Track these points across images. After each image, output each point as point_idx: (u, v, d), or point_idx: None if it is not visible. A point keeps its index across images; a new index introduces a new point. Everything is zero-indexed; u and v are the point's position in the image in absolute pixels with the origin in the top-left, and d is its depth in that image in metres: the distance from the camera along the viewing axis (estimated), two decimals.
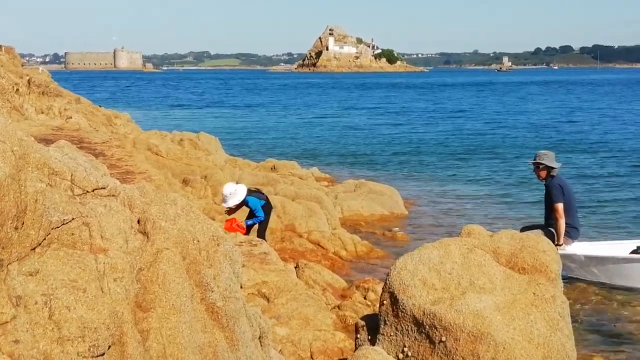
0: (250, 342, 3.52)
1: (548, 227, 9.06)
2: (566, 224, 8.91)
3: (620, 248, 9.44)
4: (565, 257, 9.05)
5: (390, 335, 4.58)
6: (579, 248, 9.21)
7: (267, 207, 8.89)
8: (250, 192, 8.77)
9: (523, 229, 8.74)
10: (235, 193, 8.45)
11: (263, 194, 9.08)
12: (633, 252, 9.24)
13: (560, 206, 8.83)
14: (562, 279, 4.81)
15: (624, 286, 8.90)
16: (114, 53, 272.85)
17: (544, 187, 9.34)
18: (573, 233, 9.07)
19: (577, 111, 47.05)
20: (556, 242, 8.92)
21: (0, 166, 2.45)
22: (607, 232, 12.33)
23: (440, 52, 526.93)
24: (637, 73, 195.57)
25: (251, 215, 8.82)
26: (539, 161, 9.07)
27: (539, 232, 8.80)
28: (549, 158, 9.06)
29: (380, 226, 12.87)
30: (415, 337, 4.44)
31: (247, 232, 8.98)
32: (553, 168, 9.01)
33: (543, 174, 9.09)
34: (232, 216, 8.88)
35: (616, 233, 12.26)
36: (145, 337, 2.90)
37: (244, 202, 8.64)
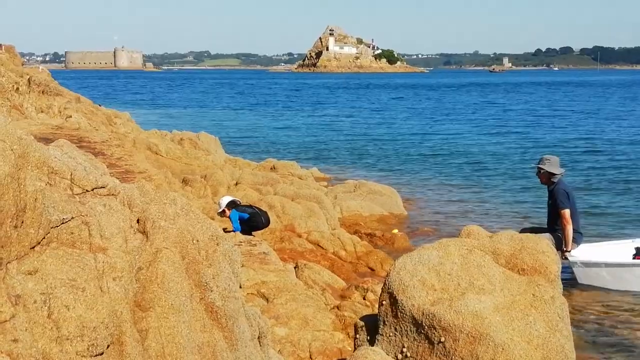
0: (249, 342, 3.52)
1: (554, 232, 9.04)
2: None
3: (621, 249, 9.39)
4: (575, 266, 9.02)
5: (389, 336, 4.58)
6: (581, 252, 9.17)
7: (253, 220, 9.52)
8: (236, 205, 9.53)
9: (522, 232, 8.72)
10: (220, 204, 9.63)
11: (254, 208, 9.74)
12: (635, 255, 9.20)
13: (567, 212, 8.82)
14: (563, 282, 4.81)
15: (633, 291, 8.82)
16: (114, 52, 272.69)
17: (547, 192, 9.33)
18: (578, 238, 9.07)
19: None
20: (565, 249, 8.90)
21: None
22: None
23: (440, 53, 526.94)
24: None
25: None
26: (540, 166, 9.12)
27: (548, 236, 8.78)
28: (550, 163, 9.08)
29: (380, 227, 12.85)
30: (414, 337, 4.44)
31: None
32: (554, 174, 9.03)
33: (543, 178, 9.16)
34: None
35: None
36: (144, 336, 2.90)
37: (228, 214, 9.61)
